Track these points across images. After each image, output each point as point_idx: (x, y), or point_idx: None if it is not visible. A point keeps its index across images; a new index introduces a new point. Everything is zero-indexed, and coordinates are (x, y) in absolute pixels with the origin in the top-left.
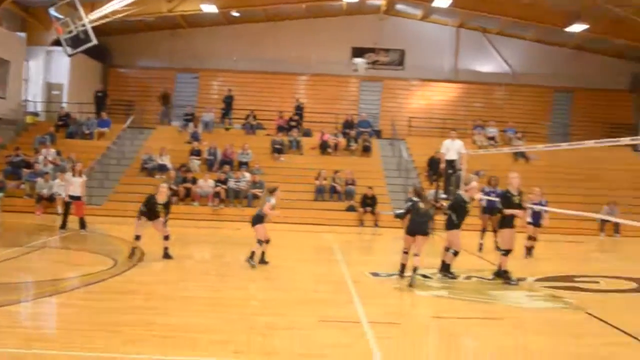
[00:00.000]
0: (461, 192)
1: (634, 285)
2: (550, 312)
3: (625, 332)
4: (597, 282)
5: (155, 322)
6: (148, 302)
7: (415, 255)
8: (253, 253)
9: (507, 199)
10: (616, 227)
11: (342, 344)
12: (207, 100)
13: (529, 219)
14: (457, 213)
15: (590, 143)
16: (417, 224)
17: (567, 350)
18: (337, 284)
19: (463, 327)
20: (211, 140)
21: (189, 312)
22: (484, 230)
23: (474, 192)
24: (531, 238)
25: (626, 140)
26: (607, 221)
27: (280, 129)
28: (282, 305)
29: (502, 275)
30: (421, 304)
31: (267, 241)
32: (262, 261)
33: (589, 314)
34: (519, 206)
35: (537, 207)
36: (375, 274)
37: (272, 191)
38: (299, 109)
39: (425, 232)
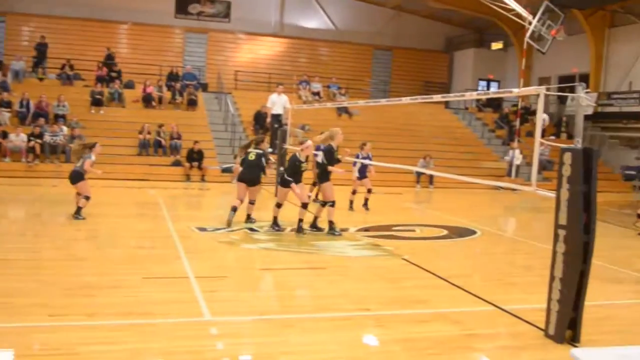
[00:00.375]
0: (297, 152)
1: (445, 232)
2: (370, 259)
3: (438, 276)
4: (413, 231)
5: None
6: None
7: (250, 202)
8: (79, 208)
9: (331, 154)
10: (430, 179)
11: (169, 300)
12: (16, 47)
13: (356, 173)
14: (292, 172)
15: (407, 99)
16: (245, 173)
17: (385, 295)
18: (162, 240)
19: (289, 277)
20: (23, 91)
21: (4, 275)
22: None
23: (308, 151)
24: (355, 192)
25: (438, 98)
26: (422, 173)
27: (99, 79)
28: (105, 264)
29: (317, 226)
30: (248, 257)
31: (87, 198)
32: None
33: (406, 260)
34: (338, 160)
35: (365, 161)
36: (202, 229)
37: (91, 147)
38: (110, 59)
39: (252, 182)
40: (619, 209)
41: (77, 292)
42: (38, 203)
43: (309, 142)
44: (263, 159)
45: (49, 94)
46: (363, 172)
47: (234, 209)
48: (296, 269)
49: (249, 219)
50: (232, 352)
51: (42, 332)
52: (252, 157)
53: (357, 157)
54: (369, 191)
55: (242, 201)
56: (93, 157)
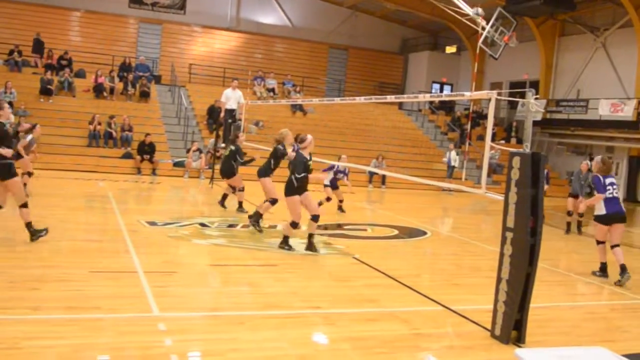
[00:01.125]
0: (301, 151)
1: (396, 232)
2: (321, 258)
3: (388, 275)
4: (365, 230)
5: None
6: None
7: (239, 190)
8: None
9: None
10: (383, 179)
11: (117, 295)
12: None
13: (327, 182)
14: (303, 170)
15: (361, 99)
16: (220, 167)
17: (335, 293)
18: (111, 233)
19: (239, 274)
20: None
21: None
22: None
23: (311, 146)
24: (329, 199)
25: (392, 98)
26: (375, 173)
27: (49, 67)
28: (51, 256)
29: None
30: (199, 253)
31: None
32: None
33: (356, 259)
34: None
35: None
36: (152, 223)
37: (30, 129)
38: (38, 44)
39: (225, 173)
40: (565, 213)
41: (22, 285)
42: None
43: (310, 137)
44: (238, 155)
45: None
46: (334, 182)
47: (224, 197)
48: (246, 265)
49: (240, 207)
50: (180, 349)
51: None
52: (226, 152)
53: (332, 167)
54: (341, 201)
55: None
56: (27, 139)
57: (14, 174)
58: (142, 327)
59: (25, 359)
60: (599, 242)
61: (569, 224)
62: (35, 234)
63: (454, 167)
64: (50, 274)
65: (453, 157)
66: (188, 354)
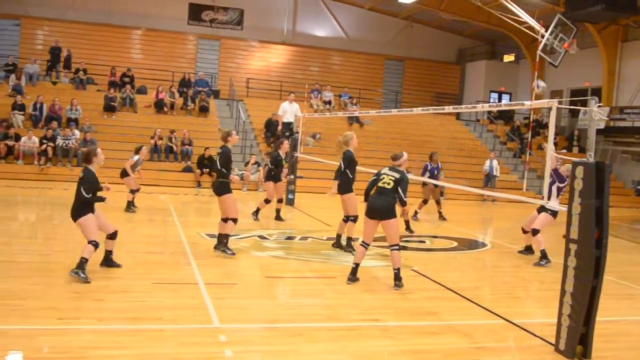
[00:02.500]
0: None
1: (455, 244)
2: (379, 270)
3: (447, 288)
4: (423, 242)
5: None
6: None
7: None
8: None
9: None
10: (441, 190)
11: (178, 306)
12: (30, 51)
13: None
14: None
15: (418, 110)
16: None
17: (394, 305)
18: (172, 245)
19: (298, 286)
20: (36, 95)
21: (13, 277)
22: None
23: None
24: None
25: (450, 109)
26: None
27: (112, 84)
28: (114, 268)
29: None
30: (257, 265)
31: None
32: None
33: (415, 271)
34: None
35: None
36: (212, 236)
37: (137, 150)
38: (56, 51)
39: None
40: (631, 224)
41: (87, 296)
42: (49, 206)
43: (405, 155)
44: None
45: (62, 98)
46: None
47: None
48: (305, 277)
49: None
50: None
51: (51, 335)
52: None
53: (426, 168)
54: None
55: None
56: (134, 159)
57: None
58: (202, 338)
59: None
60: None
61: None
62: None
63: (495, 176)
64: (114, 285)
65: (495, 165)
66: None
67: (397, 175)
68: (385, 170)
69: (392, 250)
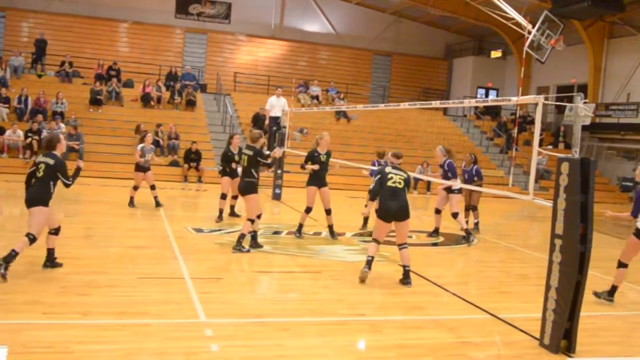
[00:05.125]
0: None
1: (441, 239)
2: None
3: (434, 283)
4: (410, 237)
5: None
6: None
7: None
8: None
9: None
10: (428, 185)
11: (164, 301)
12: (15, 44)
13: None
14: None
15: (405, 105)
16: None
17: (381, 300)
18: (159, 240)
19: (285, 280)
20: (21, 87)
21: None
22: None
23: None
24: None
25: (437, 104)
26: (420, 180)
27: (98, 77)
28: (100, 262)
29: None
30: (244, 259)
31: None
32: None
33: (401, 266)
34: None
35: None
36: (198, 230)
37: (142, 137)
38: (42, 43)
39: None
40: (615, 220)
41: (72, 291)
42: None
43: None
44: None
45: (48, 91)
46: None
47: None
48: (292, 272)
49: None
50: (226, 355)
51: (36, 330)
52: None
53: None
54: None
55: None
56: (139, 148)
57: None
58: (189, 332)
59: None
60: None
61: None
62: None
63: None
64: (100, 280)
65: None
66: None
67: (405, 175)
68: (390, 169)
69: (402, 249)
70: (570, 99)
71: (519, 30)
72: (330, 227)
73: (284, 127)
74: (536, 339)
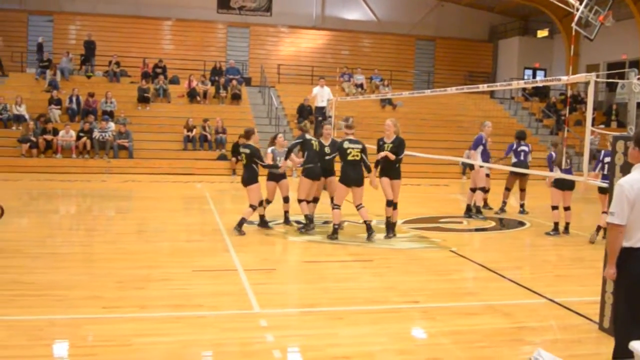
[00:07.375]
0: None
1: (493, 224)
2: (417, 251)
3: (487, 268)
4: (461, 222)
5: (22, 280)
6: (13, 260)
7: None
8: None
9: (380, 148)
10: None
11: (218, 293)
12: (64, 46)
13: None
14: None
15: (452, 90)
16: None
17: (433, 287)
18: (211, 233)
19: (336, 269)
20: (71, 89)
21: (57, 269)
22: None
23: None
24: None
25: (484, 87)
26: (468, 165)
27: (145, 76)
28: (155, 257)
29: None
30: (295, 250)
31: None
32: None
33: (454, 252)
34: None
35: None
36: (249, 222)
37: (272, 140)
38: (90, 44)
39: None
40: None
41: (129, 285)
42: (88, 198)
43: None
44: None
45: (97, 91)
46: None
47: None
48: (343, 261)
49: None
50: (281, 344)
51: (96, 324)
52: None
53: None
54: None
55: None
56: (269, 150)
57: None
58: (243, 323)
59: (135, 355)
60: None
61: None
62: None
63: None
64: (155, 274)
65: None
66: (288, 349)
67: (361, 146)
68: (347, 144)
69: (360, 208)
70: (621, 76)
71: (566, 8)
72: (388, 219)
73: (330, 116)
74: (595, 322)
